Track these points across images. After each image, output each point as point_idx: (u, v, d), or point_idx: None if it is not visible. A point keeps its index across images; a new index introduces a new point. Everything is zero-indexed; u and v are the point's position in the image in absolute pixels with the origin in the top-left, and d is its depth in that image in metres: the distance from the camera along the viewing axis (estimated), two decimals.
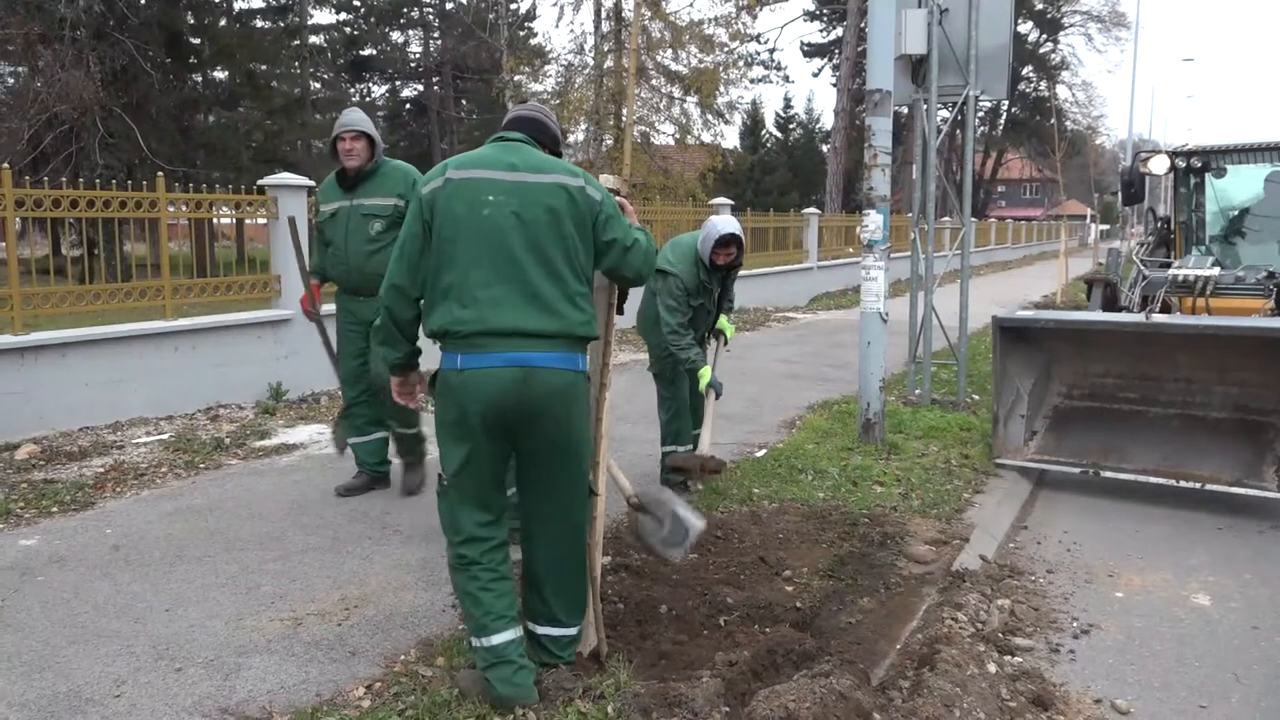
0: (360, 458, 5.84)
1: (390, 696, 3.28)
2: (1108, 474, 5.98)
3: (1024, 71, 47.13)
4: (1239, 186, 8.22)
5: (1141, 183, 8.26)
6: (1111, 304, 7.49)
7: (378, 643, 3.76)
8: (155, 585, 4.32)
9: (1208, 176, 8.27)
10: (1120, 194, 8.63)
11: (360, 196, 5.42)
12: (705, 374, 5.49)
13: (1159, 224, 8.80)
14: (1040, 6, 46.30)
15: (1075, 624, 4.28)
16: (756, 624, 3.94)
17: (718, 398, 5.60)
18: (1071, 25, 48.15)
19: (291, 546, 4.86)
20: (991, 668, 3.62)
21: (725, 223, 5.48)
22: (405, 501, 5.63)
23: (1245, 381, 6.00)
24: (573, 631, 3.40)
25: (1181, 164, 7.92)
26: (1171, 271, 7.37)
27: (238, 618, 3.98)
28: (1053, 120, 27.53)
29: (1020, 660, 3.84)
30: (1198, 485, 5.70)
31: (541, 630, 3.36)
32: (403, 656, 3.62)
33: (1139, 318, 6.11)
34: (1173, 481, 5.77)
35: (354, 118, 5.44)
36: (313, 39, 33.98)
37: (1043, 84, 48.33)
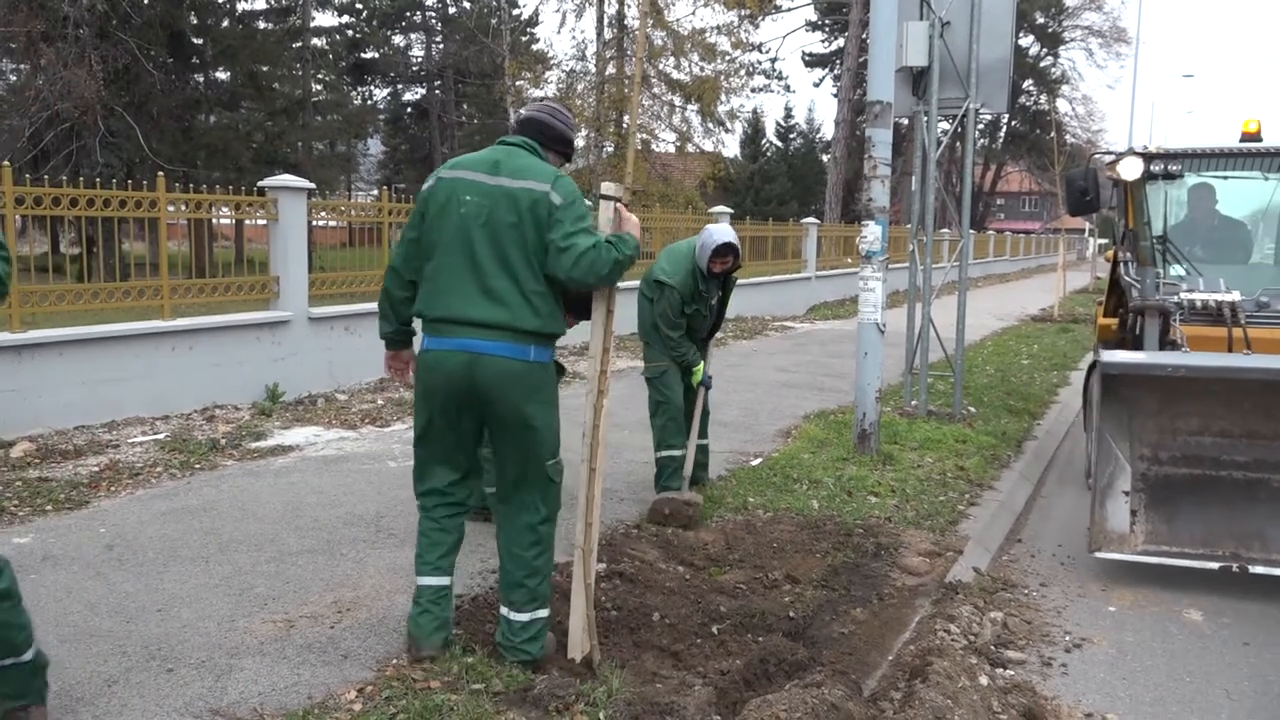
0: None
1: (381, 700, 3.28)
2: (1259, 569, 4.74)
3: (1024, 85, 47.26)
4: (1219, 197, 6.98)
5: (1098, 189, 7.15)
6: (1165, 337, 5.92)
7: (370, 646, 3.76)
8: (148, 585, 4.32)
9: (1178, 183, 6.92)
10: (1068, 201, 7.31)
11: None
12: (699, 371, 5.81)
13: (1154, 240, 7.00)
14: (1041, 21, 46.43)
15: (1068, 637, 4.28)
16: (749, 633, 3.94)
17: (707, 391, 5.93)
18: (1072, 40, 48.32)
19: (285, 548, 4.85)
20: (983, 680, 3.62)
21: (722, 232, 5.59)
22: (400, 505, 5.63)
23: None
24: (524, 618, 3.54)
25: (1158, 168, 6.73)
26: (1185, 296, 6.02)
27: (230, 619, 3.98)
28: (1052, 134, 27.55)
29: (1012, 673, 3.84)
30: None
31: (501, 611, 3.62)
32: (395, 660, 3.62)
33: None
34: None
35: None
36: (315, 41, 33.98)
37: (1043, 98, 48.45)
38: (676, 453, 5.73)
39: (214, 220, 10.26)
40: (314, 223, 10.31)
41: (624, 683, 3.36)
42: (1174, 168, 6.60)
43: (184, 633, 3.83)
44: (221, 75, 26.55)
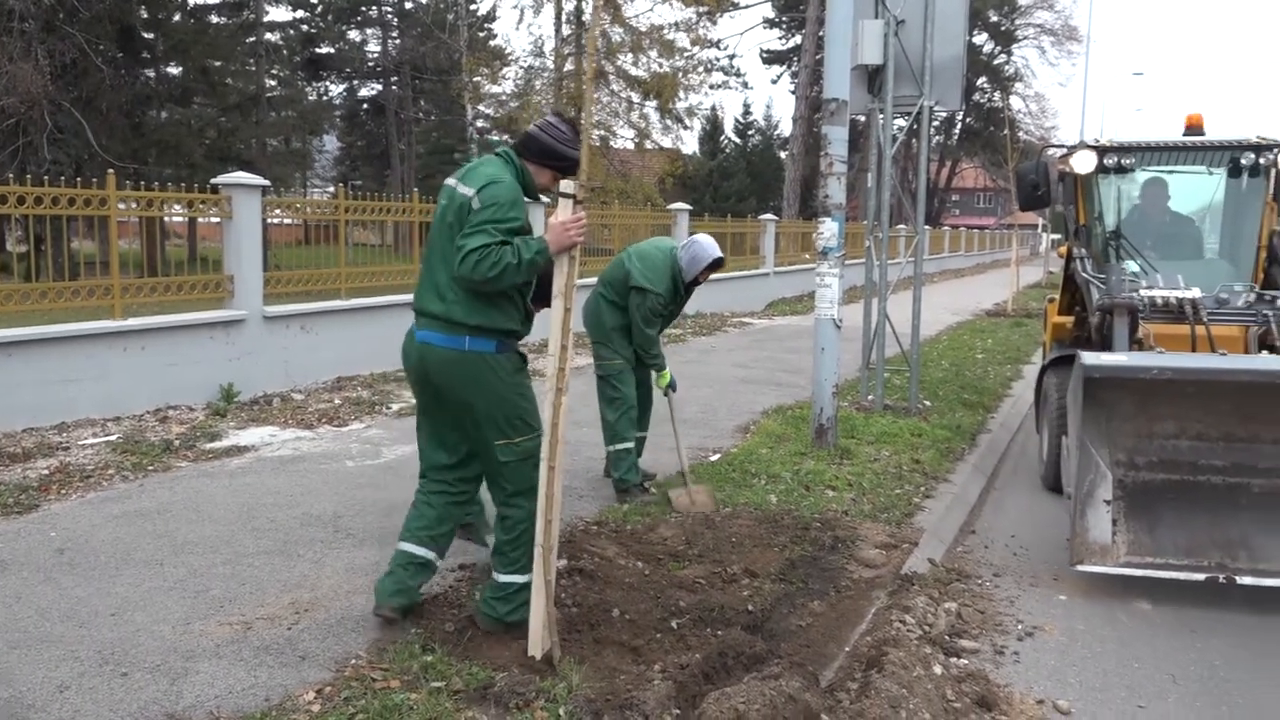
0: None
1: (340, 700, 3.27)
2: (1246, 580, 4.56)
3: (978, 82, 47.89)
4: (1163, 191, 7.06)
5: (1049, 183, 7.11)
6: (1133, 336, 5.80)
7: (328, 646, 3.74)
8: (101, 589, 4.26)
9: (1131, 178, 6.98)
10: (1020, 195, 7.28)
11: None
12: (667, 376, 5.99)
13: (1108, 235, 7.03)
14: (995, 19, 47.06)
15: (1020, 626, 4.37)
16: (708, 627, 3.97)
17: (674, 391, 6.06)
18: (1025, 38, 49.08)
19: (241, 550, 4.81)
20: (937, 669, 3.68)
21: (713, 246, 5.92)
22: (358, 505, 5.60)
23: None
24: (501, 579, 3.80)
25: (1110, 162, 6.70)
26: (1146, 293, 5.96)
27: (185, 622, 3.94)
28: (1006, 131, 27.92)
29: (966, 662, 3.91)
30: None
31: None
32: (354, 660, 3.60)
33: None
34: None
35: None
36: (268, 36, 33.52)
37: (997, 95, 49.08)
38: (629, 445, 5.87)
39: (166, 218, 10.10)
40: (269, 220, 10.20)
41: (584, 679, 3.38)
42: (1126, 161, 6.65)
43: (138, 636, 3.79)
44: (173, 70, 26.13)
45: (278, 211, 10.86)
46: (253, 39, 30.74)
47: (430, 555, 3.94)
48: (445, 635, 3.77)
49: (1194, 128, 6.86)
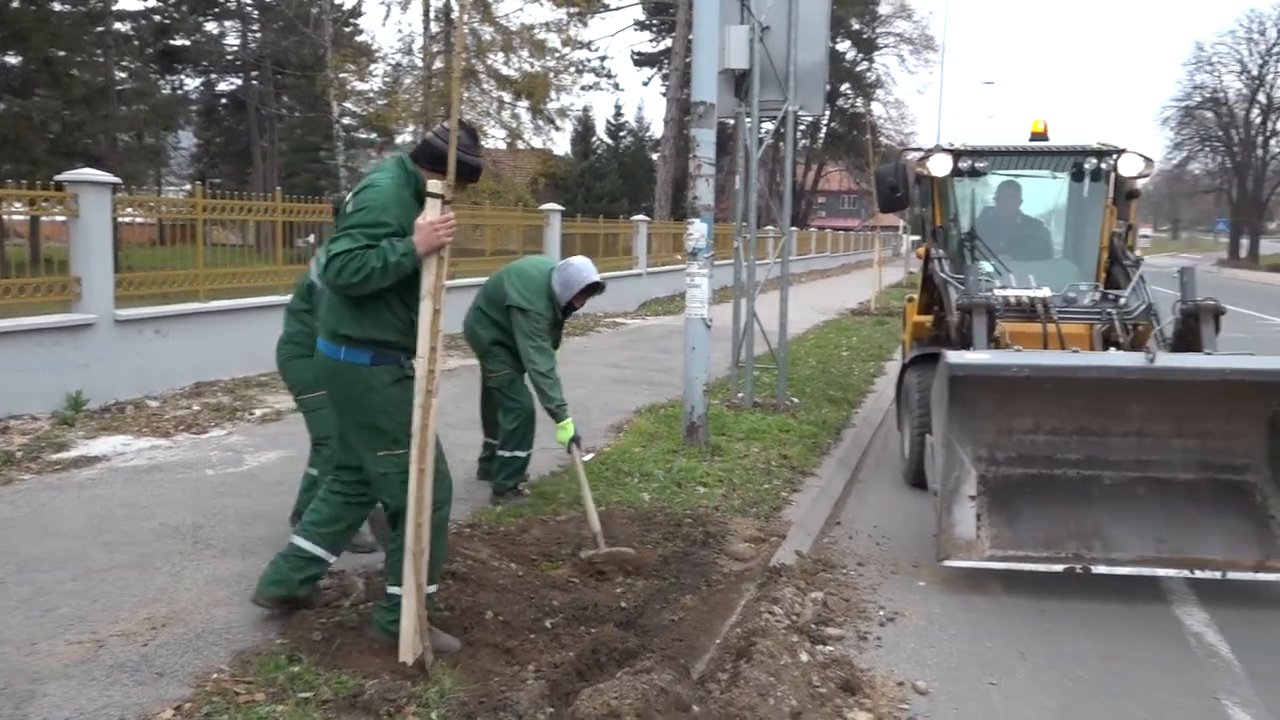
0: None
1: (201, 716, 3.16)
2: (1101, 569, 4.75)
3: (842, 88, 49.42)
4: (1012, 194, 7.32)
5: (908, 185, 7.30)
6: (991, 334, 5.92)
7: (188, 661, 3.60)
8: None
9: (983, 181, 7.21)
10: (880, 197, 7.45)
11: None
12: (569, 427, 5.25)
13: (962, 236, 7.16)
14: (857, 27, 48.65)
15: (882, 613, 4.55)
16: (582, 625, 4.00)
17: (579, 446, 5.29)
18: (886, 46, 50.92)
19: (92, 565, 4.58)
20: (804, 657, 3.80)
21: (589, 269, 5.63)
22: (219, 514, 5.41)
23: (1206, 433, 5.07)
24: (388, 589, 3.68)
25: (965, 165, 6.88)
26: (1000, 292, 6.22)
27: (31, 642, 3.73)
28: (868, 135, 28.96)
29: (831, 649, 4.06)
30: (1218, 574, 4.68)
31: None
32: (215, 674, 3.48)
33: (1139, 360, 4.77)
34: (1187, 571, 4.72)
35: None
36: (117, 25, 31.80)
37: (859, 101, 50.74)
38: (524, 454, 5.79)
39: (5, 217, 9.51)
40: (120, 220, 9.71)
41: (457, 682, 3.36)
42: (980, 165, 6.96)
43: None
44: (12, 60, 24.56)
45: (130, 210, 10.34)
46: (100, 28, 29.11)
47: (318, 552, 3.92)
48: (313, 644, 3.68)
49: (1039, 135, 7.23)
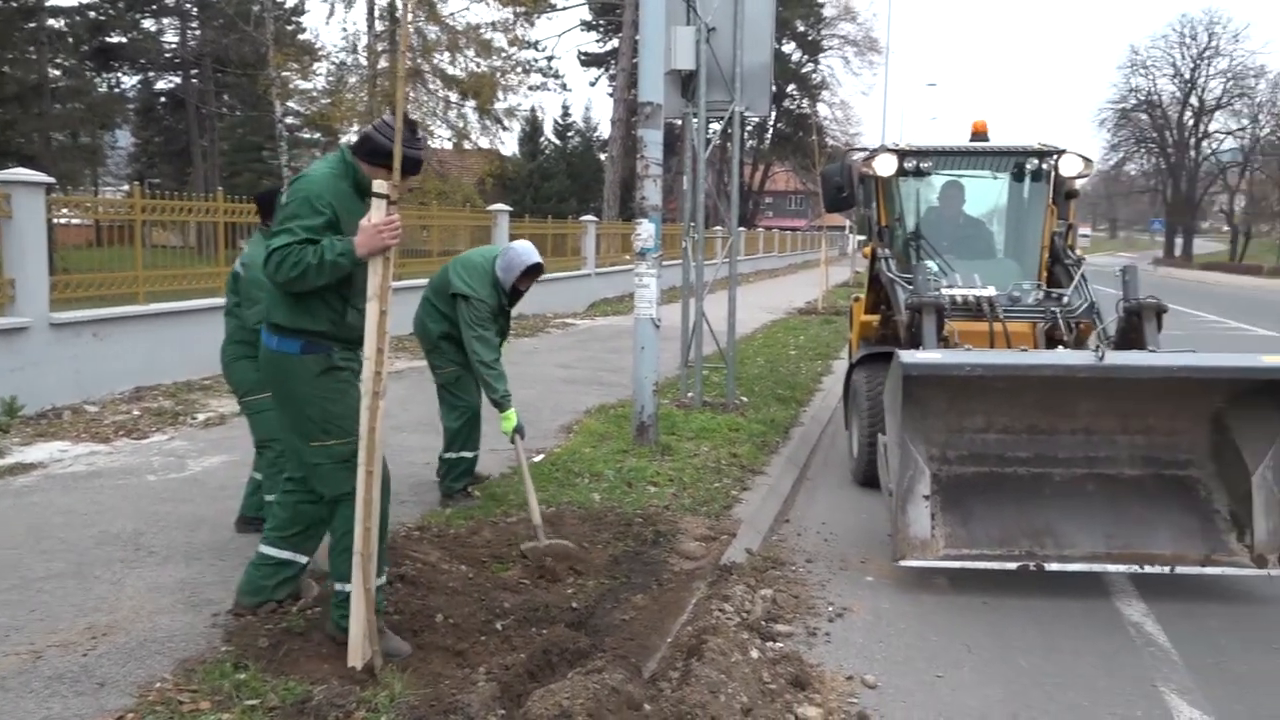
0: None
1: None
2: (1053, 566, 4.79)
3: (788, 90, 49.84)
4: (958, 194, 7.37)
5: (853, 185, 7.28)
6: (940, 333, 5.94)
7: (130, 671, 3.53)
8: None
9: (926, 181, 7.25)
10: (826, 197, 7.41)
11: None
12: (512, 418, 5.33)
13: (908, 235, 7.14)
14: (802, 29, 49.09)
15: (830, 608, 4.60)
16: (533, 626, 3.98)
17: (522, 438, 5.42)
18: (830, 48, 51.45)
19: (29, 574, 4.46)
20: (754, 654, 3.83)
21: (530, 251, 5.61)
22: (161, 521, 5.30)
23: (1151, 429, 5.15)
24: (334, 586, 3.69)
25: (910, 165, 6.94)
26: (947, 291, 6.27)
27: None
28: (814, 136, 29.20)
29: (781, 645, 4.09)
30: (1166, 569, 4.77)
31: None
32: (158, 684, 3.41)
33: (1089, 358, 4.79)
34: (1136, 567, 4.79)
35: None
36: (51, 22, 31.01)
37: (805, 102, 51.20)
38: (470, 454, 5.78)
39: None
40: (55, 220, 9.47)
41: (407, 686, 3.34)
42: (924, 165, 7.03)
43: None
44: None
45: (65, 211, 10.09)
46: (33, 24, 28.37)
47: (285, 555, 3.97)
48: (260, 651, 3.62)
49: (979, 134, 7.34)
